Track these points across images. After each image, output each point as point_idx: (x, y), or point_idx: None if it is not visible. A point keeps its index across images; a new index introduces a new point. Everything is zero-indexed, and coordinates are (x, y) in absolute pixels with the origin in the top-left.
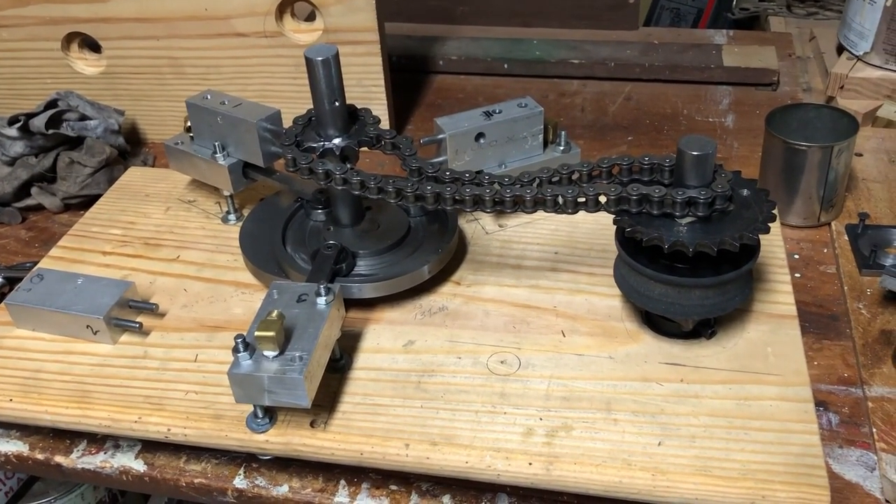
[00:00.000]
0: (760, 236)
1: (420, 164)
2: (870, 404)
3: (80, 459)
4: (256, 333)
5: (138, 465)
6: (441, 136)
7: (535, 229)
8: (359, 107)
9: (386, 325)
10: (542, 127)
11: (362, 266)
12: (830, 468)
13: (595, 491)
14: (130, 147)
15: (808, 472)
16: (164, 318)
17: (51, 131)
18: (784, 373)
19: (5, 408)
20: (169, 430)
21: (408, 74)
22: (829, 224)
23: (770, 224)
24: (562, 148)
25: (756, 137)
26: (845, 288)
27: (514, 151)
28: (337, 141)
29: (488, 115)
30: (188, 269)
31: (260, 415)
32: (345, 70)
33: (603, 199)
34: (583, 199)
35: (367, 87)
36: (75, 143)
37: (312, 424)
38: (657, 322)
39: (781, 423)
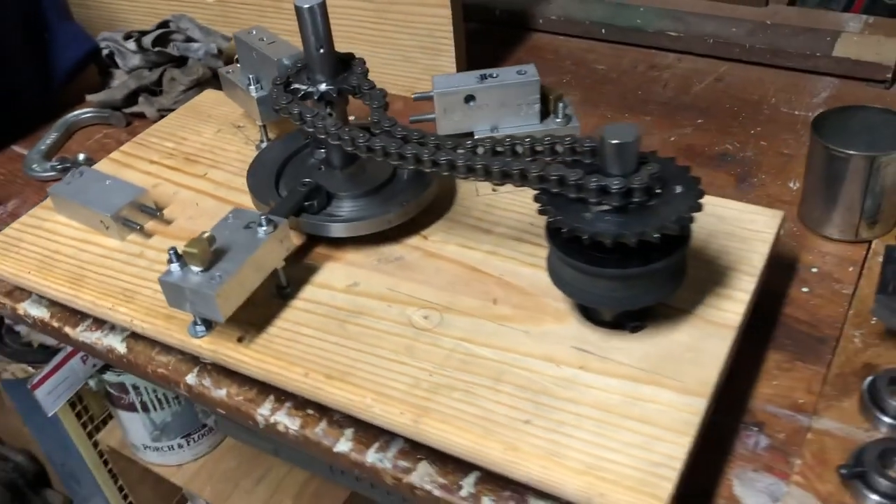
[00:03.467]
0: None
1: (379, 119)
2: (809, 436)
3: (82, 333)
4: (183, 248)
5: (121, 348)
6: (430, 93)
7: (525, 198)
8: (424, 57)
9: (343, 265)
10: (537, 97)
11: (344, 208)
12: (732, 489)
13: (451, 451)
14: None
15: (654, 483)
16: (169, 225)
17: (157, 49)
18: (688, 381)
19: (24, 278)
20: (132, 321)
21: (506, 29)
22: (870, 242)
23: (685, 222)
24: (559, 120)
25: None
26: (850, 312)
27: (508, 117)
28: (322, 86)
29: (483, 77)
30: (208, 186)
31: (199, 322)
32: (415, 20)
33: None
34: (511, 173)
35: (436, 39)
36: (185, 63)
37: (240, 340)
38: (587, 307)
39: (655, 429)
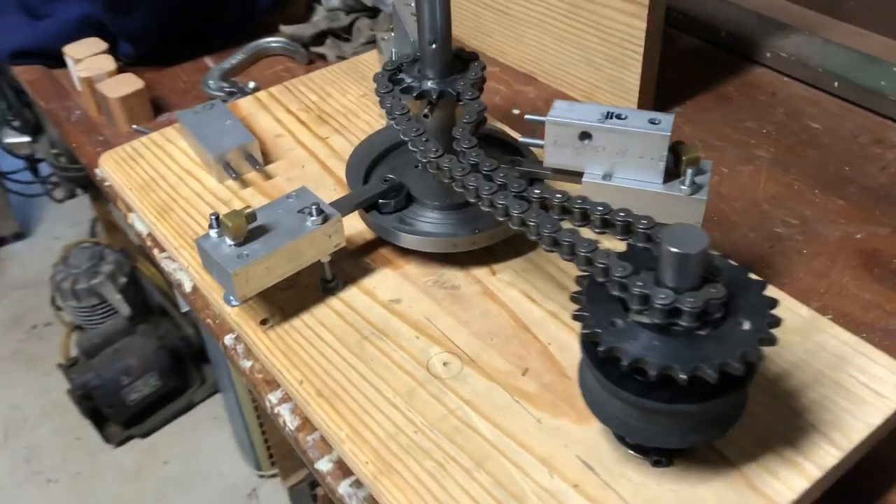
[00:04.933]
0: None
1: (459, 137)
2: None
3: (164, 259)
4: (220, 217)
5: (188, 286)
6: (543, 118)
7: None
8: (608, 66)
9: (397, 276)
10: (664, 154)
11: (419, 216)
12: None
13: None
14: None
15: None
16: (267, 180)
17: None
18: None
19: (126, 193)
20: (188, 267)
21: (728, 55)
22: None
23: (733, 370)
24: (684, 187)
25: None
26: None
27: (626, 168)
28: (428, 84)
29: (608, 116)
30: (323, 151)
31: None
32: (607, 24)
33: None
34: (562, 242)
35: (624, 50)
36: (377, 14)
37: (263, 322)
38: None
39: None
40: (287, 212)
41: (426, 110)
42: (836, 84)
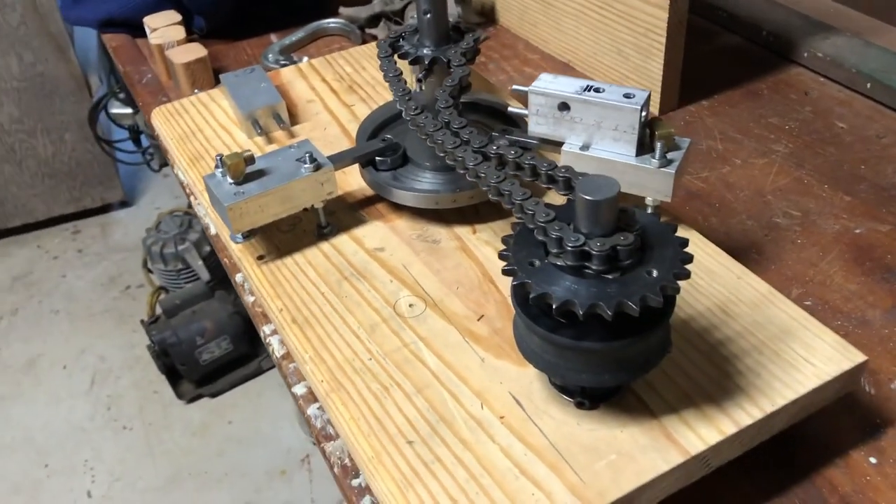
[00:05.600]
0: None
1: (438, 98)
2: None
3: (198, 205)
4: (223, 157)
5: (213, 229)
6: (527, 88)
7: None
8: (636, 55)
9: (386, 228)
10: (635, 126)
11: (411, 174)
12: None
13: (339, 433)
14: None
15: None
16: (292, 139)
17: None
18: (591, 484)
19: (168, 143)
20: (207, 210)
21: (767, 53)
22: None
23: (627, 309)
24: (654, 160)
25: None
26: None
27: (603, 140)
28: (424, 51)
29: (586, 89)
30: (346, 117)
31: None
32: (635, 14)
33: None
34: (503, 192)
35: (650, 39)
36: None
37: (260, 258)
38: None
39: None
40: (286, 159)
41: (420, 75)
42: (868, 86)
